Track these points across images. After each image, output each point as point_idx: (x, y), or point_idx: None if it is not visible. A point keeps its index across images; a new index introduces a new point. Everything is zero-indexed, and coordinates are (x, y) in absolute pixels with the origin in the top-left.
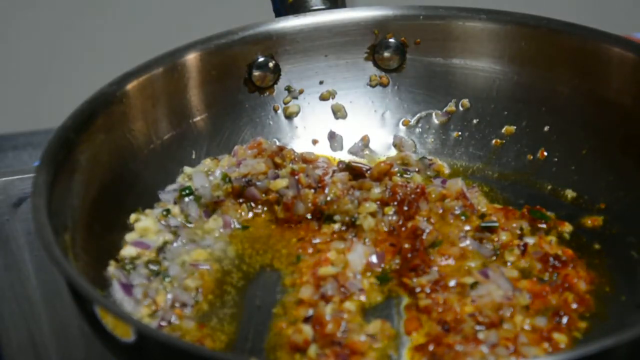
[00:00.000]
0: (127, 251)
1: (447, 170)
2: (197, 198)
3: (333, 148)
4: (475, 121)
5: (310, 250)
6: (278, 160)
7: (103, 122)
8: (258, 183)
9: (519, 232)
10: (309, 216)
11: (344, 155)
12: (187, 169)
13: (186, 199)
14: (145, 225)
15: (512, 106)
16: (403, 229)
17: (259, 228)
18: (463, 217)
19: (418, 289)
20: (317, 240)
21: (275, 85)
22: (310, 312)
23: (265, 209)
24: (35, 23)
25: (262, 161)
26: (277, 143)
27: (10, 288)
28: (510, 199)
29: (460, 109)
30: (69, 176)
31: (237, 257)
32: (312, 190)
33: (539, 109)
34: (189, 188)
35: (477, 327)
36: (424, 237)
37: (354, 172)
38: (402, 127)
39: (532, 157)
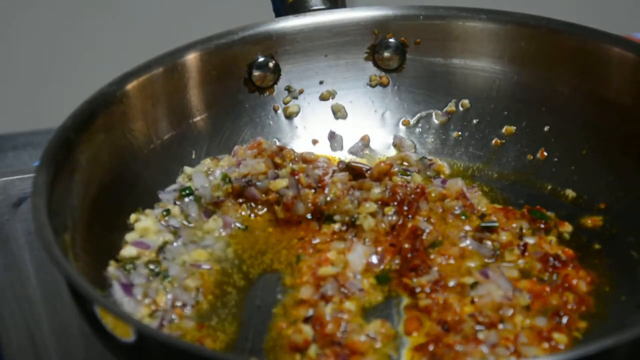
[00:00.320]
0: (127, 251)
1: (447, 170)
2: (197, 198)
3: (333, 148)
4: (475, 121)
5: (310, 250)
6: (278, 160)
7: (103, 122)
8: (258, 183)
9: (519, 232)
10: (309, 216)
11: (344, 155)
12: (187, 169)
13: (186, 199)
14: (145, 226)
15: (512, 106)
16: (403, 229)
17: (259, 228)
18: (463, 217)
19: (418, 289)
20: (317, 240)
21: (275, 85)
22: (310, 312)
23: (265, 209)
24: (35, 23)
25: (262, 161)
26: (277, 143)
27: (10, 288)
28: (510, 199)
29: (460, 109)
30: (69, 176)
31: (237, 257)
32: (312, 190)
33: (539, 109)
34: (189, 188)
35: (477, 327)
36: (424, 237)
37: (354, 172)
38: (402, 127)
39: (532, 157)
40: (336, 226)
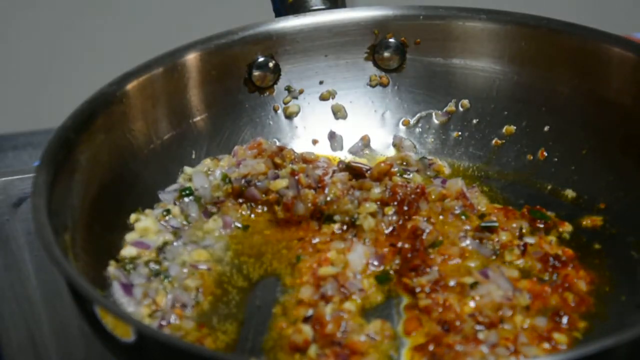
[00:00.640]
0: (127, 251)
1: (447, 170)
2: (197, 198)
3: (333, 148)
4: (475, 121)
5: (310, 250)
6: (278, 160)
7: (103, 122)
8: (258, 183)
9: (519, 232)
10: (309, 216)
11: (344, 155)
12: (187, 169)
13: (186, 199)
14: (145, 226)
15: (512, 106)
16: (403, 229)
17: (259, 228)
18: (463, 217)
19: (418, 289)
20: (317, 240)
21: (275, 85)
22: (310, 312)
23: (265, 209)
24: (35, 23)
25: (262, 161)
26: (277, 143)
27: (10, 288)
28: (510, 199)
29: (460, 109)
30: (69, 176)
31: (237, 258)
32: (312, 191)
33: (539, 109)
34: (189, 188)
35: (477, 327)
36: (424, 237)
37: (354, 172)
38: (402, 127)
39: (532, 157)
40: (336, 226)
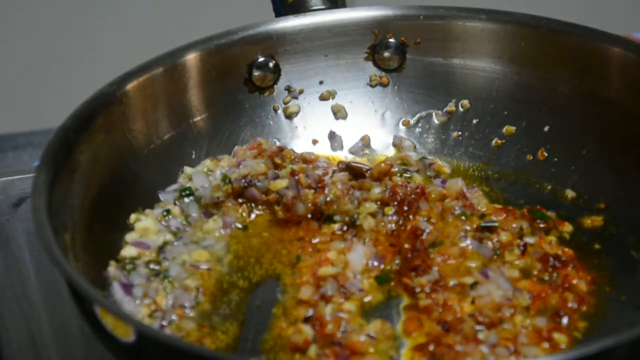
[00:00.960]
0: (127, 251)
1: (447, 170)
2: (197, 199)
3: (333, 148)
4: (475, 121)
5: (310, 250)
6: (278, 160)
7: (103, 122)
8: (258, 183)
9: (519, 232)
10: (309, 216)
11: (344, 155)
12: (188, 169)
13: (186, 200)
14: (145, 226)
15: (512, 106)
16: (403, 229)
17: (259, 228)
18: (463, 217)
19: (418, 289)
20: (317, 240)
21: (275, 85)
22: (310, 312)
23: (266, 209)
24: (36, 23)
25: (262, 162)
26: (277, 143)
27: (10, 288)
28: (510, 199)
29: (460, 109)
30: (69, 176)
31: (237, 258)
32: (312, 191)
33: (539, 109)
34: (189, 189)
35: (477, 327)
36: (424, 237)
37: (354, 172)
38: (402, 127)
39: (532, 157)
40: (336, 226)
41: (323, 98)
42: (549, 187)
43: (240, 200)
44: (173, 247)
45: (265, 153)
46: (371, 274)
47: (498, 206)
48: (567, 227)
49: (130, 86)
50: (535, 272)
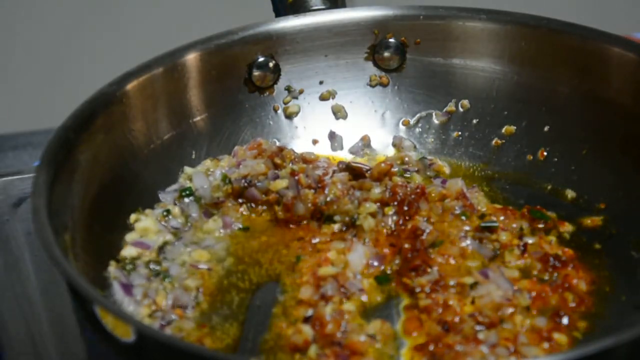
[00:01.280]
0: (128, 251)
1: (447, 170)
2: (197, 199)
3: (333, 148)
4: (475, 121)
5: (310, 250)
6: (278, 160)
7: (103, 122)
8: (258, 184)
9: (519, 232)
10: (309, 216)
11: (344, 155)
12: (188, 169)
13: (186, 200)
14: (146, 226)
15: (512, 106)
16: (403, 229)
17: (259, 229)
18: (463, 217)
19: (418, 289)
20: (317, 240)
21: (275, 85)
22: (310, 312)
23: (266, 209)
24: (36, 23)
25: (262, 162)
26: (277, 143)
27: (10, 288)
28: (510, 199)
29: (460, 109)
30: (69, 176)
31: (237, 258)
32: (312, 191)
33: (539, 109)
34: (189, 189)
35: (477, 327)
36: (424, 237)
37: (354, 172)
38: (402, 127)
39: (532, 157)
40: (336, 226)
41: (323, 98)
42: (549, 187)
43: (240, 201)
44: (173, 247)
45: (265, 153)
46: (371, 273)
47: (498, 206)
48: (567, 227)
49: (130, 86)
50: (535, 272)
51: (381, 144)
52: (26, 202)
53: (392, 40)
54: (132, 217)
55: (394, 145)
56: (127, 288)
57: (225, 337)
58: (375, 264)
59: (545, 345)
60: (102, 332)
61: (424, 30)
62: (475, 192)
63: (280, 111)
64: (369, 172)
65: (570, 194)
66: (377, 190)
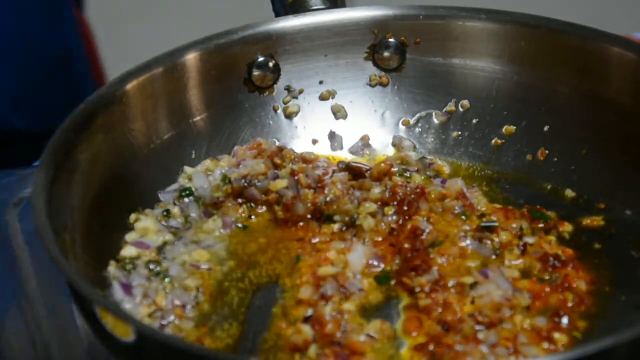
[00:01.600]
0: (128, 251)
1: (447, 170)
2: (197, 199)
3: (333, 148)
4: (475, 121)
5: (310, 250)
6: (278, 160)
7: (103, 122)
8: (258, 184)
9: (519, 232)
10: (309, 216)
11: (344, 155)
12: (188, 169)
13: (186, 200)
14: (146, 226)
15: (512, 106)
16: (403, 229)
17: (259, 229)
18: (463, 217)
19: (418, 289)
20: (317, 240)
21: (275, 85)
22: (310, 312)
23: (265, 209)
24: None
25: (262, 162)
26: (277, 143)
27: (10, 288)
28: (510, 199)
29: (460, 109)
30: (69, 176)
31: (237, 258)
32: (312, 191)
33: (539, 109)
34: (189, 189)
35: (477, 327)
36: (424, 237)
37: (354, 173)
38: (402, 127)
39: (532, 157)
40: (336, 226)
41: (323, 98)
42: (549, 187)
43: (240, 201)
44: (173, 247)
45: (265, 153)
46: (371, 273)
47: (498, 206)
48: (567, 227)
49: (130, 86)
50: (535, 272)
51: (381, 144)
52: (26, 202)
53: (392, 40)
54: (132, 217)
55: (394, 145)
56: (127, 288)
57: (225, 337)
58: (375, 264)
59: (545, 345)
60: (102, 332)
61: (424, 30)
62: (475, 192)
63: (280, 111)
64: (369, 172)
65: (570, 194)
66: (377, 190)
